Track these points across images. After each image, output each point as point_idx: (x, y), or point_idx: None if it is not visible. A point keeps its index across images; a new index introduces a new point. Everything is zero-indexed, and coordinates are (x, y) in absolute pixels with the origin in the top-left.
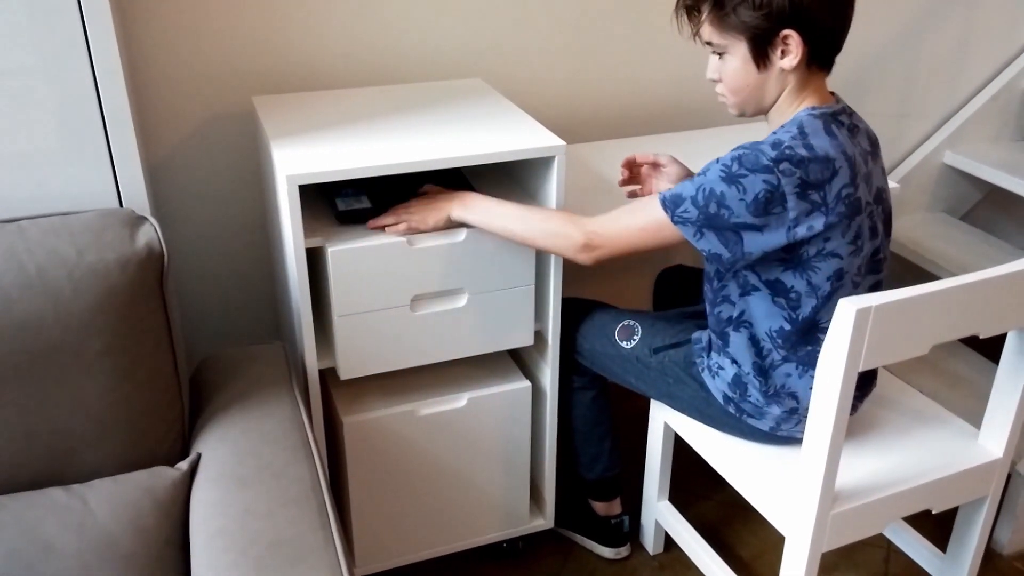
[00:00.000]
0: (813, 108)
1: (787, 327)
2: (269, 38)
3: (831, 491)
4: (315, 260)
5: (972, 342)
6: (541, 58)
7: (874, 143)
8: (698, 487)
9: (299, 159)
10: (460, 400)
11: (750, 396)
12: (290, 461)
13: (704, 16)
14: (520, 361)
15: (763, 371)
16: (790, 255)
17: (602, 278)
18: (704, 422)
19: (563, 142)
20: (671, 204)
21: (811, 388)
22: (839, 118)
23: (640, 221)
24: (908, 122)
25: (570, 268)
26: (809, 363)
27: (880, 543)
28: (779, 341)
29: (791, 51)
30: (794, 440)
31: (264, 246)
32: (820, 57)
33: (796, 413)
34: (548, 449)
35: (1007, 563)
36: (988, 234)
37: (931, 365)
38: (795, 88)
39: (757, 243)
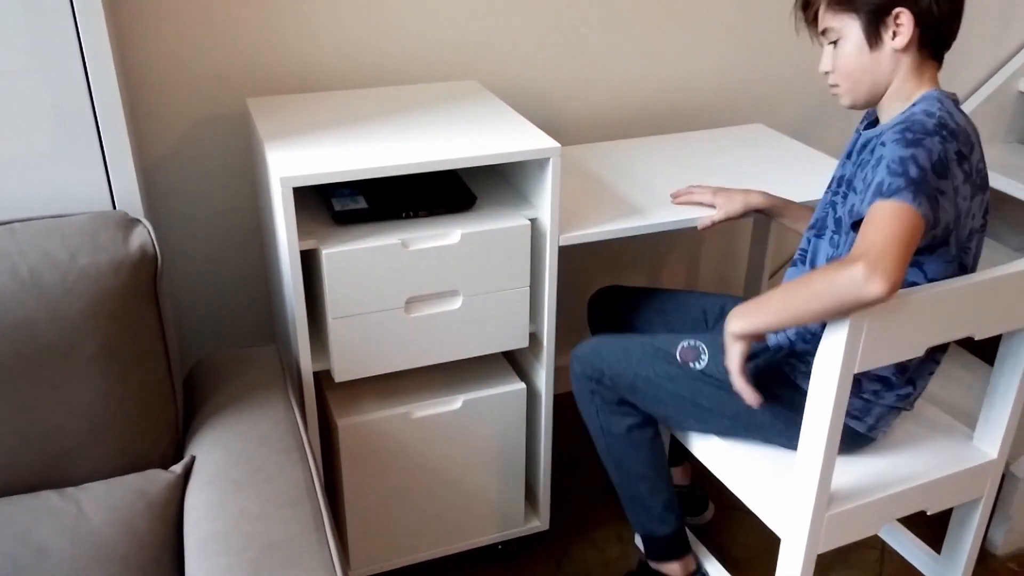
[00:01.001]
0: (939, 91)
1: None
2: (263, 40)
3: (827, 493)
4: (309, 261)
5: (967, 344)
6: (536, 60)
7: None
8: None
9: (293, 161)
10: (455, 402)
11: (864, 391)
12: (284, 464)
13: (821, 2)
14: (515, 363)
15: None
16: (949, 236)
17: (599, 280)
18: (781, 442)
19: (558, 144)
20: (887, 192)
21: (931, 374)
22: (959, 106)
23: (887, 223)
24: None
25: (564, 271)
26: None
27: (874, 544)
28: None
29: (903, 31)
30: (868, 440)
31: (258, 248)
32: (931, 44)
33: (908, 399)
34: (543, 451)
35: (1001, 563)
36: None
37: None
38: (908, 74)
39: (946, 212)
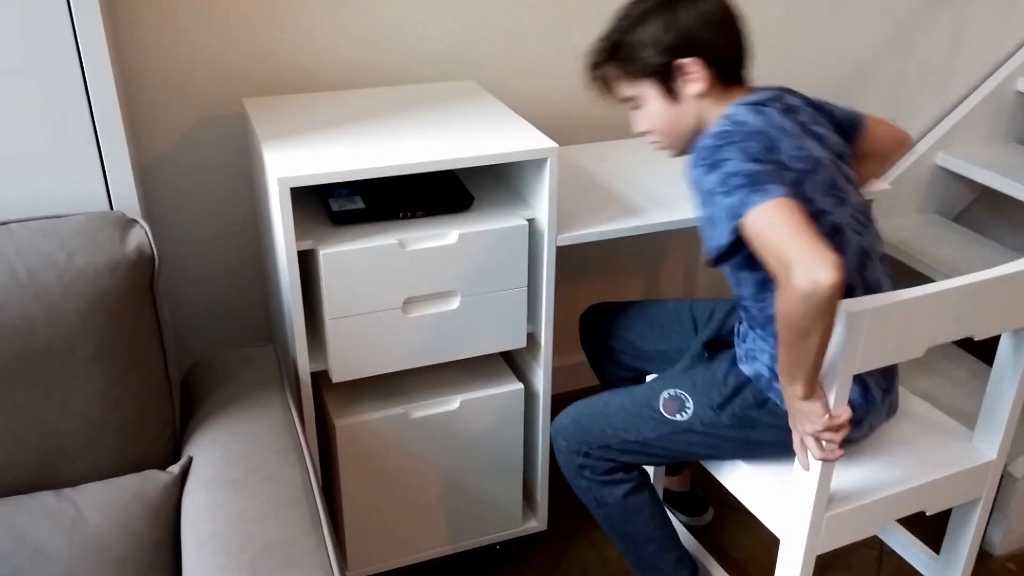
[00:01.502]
0: (733, 105)
1: None
2: (260, 40)
3: (826, 493)
4: (307, 262)
5: (966, 344)
6: (534, 60)
7: (821, 109)
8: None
9: (290, 161)
10: (453, 403)
11: (857, 411)
12: (282, 464)
13: (612, 74)
14: (513, 363)
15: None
16: None
17: (594, 278)
18: (785, 459)
19: (555, 144)
20: (741, 211)
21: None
22: (765, 104)
23: (769, 231)
24: (900, 124)
25: (563, 270)
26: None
27: (872, 544)
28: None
29: (694, 78)
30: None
31: (255, 248)
32: (727, 74)
33: (893, 397)
34: (541, 451)
35: (999, 563)
36: (980, 235)
37: (925, 367)
38: (717, 107)
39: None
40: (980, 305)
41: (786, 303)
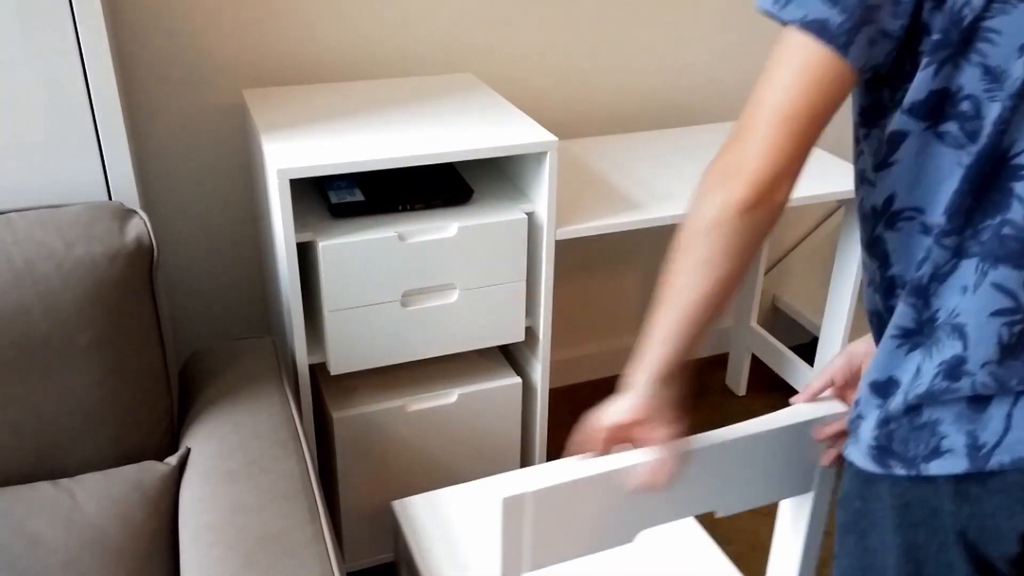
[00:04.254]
0: None
1: (959, 184)
2: (260, 31)
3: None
4: (306, 254)
5: None
6: (533, 53)
7: None
8: None
9: (290, 153)
10: (450, 396)
11: (891, 400)
12: (279, 456)
13: None
14: (511, 357)
15: (919, 291)
16: (945, 26)
17: (593, 272)
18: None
19: (555, 137)
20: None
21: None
22: None
23: (777, 66)
24: None
25: (561, 263)
26: (997, 254)
27: None
28: (943, 221)
29: None
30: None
31: (254, 239)
32: None
33: (962, 370)
34: (538, 445)
35: None
36: None
37: None
38: None
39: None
40: None
41: (693, 196)
